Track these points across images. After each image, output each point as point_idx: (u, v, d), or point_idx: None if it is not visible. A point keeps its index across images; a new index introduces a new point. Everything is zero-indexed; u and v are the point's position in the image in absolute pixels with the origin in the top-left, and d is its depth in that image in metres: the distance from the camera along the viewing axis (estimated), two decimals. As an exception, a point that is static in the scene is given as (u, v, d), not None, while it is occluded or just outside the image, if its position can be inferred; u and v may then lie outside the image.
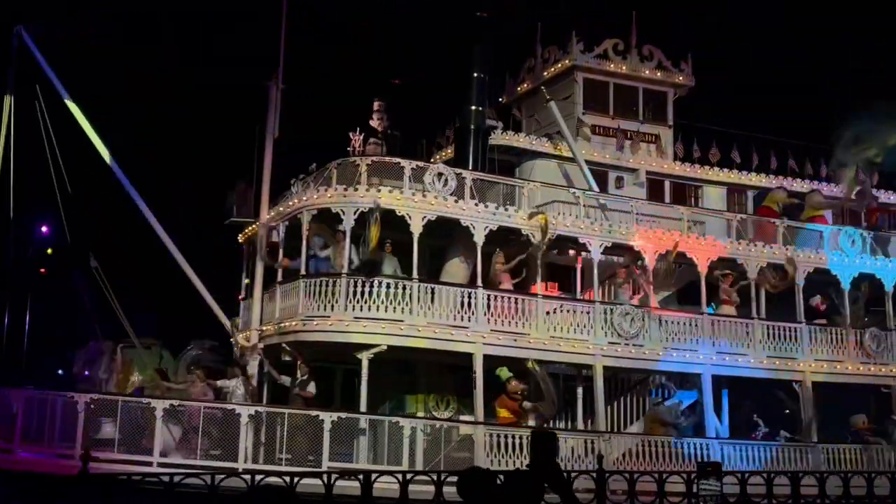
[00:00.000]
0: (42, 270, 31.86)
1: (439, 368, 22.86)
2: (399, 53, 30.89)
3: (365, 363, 20.06)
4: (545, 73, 27.45)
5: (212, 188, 24.76)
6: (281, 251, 21.94)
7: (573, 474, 15.57)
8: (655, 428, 22.40)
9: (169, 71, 21.91)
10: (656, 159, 26.93)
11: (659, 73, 27.36)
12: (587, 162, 25.99)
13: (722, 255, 23.86)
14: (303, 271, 21.02)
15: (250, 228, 24.12)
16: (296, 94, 24.06)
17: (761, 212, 25.99)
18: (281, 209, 22.42)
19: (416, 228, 20.66)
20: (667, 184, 27.26)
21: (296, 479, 15.84)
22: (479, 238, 21.24)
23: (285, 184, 23.40)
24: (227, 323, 23.39)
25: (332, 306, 20.25)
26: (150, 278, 28.56)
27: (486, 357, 20.76)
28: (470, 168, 23.12)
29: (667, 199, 26.92)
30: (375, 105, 24.51)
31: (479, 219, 21.32)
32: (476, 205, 21.30)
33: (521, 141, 25.33)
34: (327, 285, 20.38)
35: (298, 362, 21.01)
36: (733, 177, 27.77)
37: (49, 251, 30.70)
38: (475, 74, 23.73)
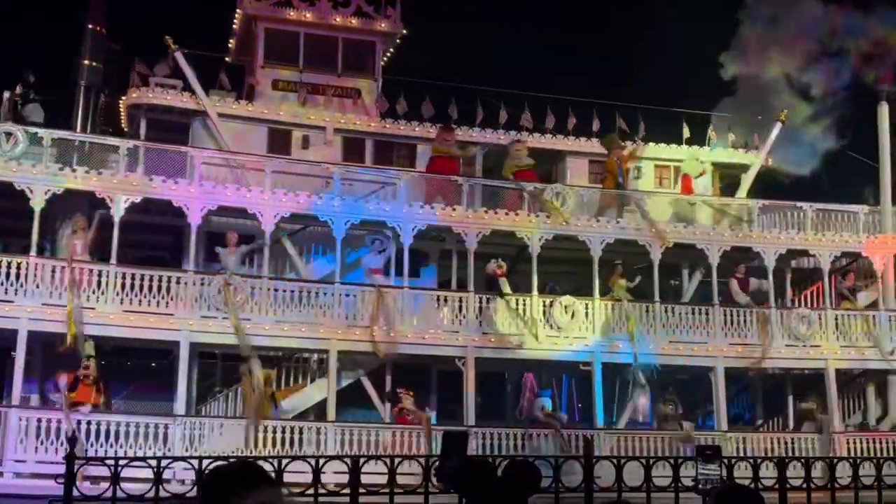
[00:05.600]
0: None
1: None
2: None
3: None
4: (234, 27, 25.13)
5: None
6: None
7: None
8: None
9: None
10: (350, 116, 24.29)
11: (355, 21, 24.68)
12: (268, 121, 23.75)
13: (367, 219, 21.21)
14: None
15: None
16: None
17: (436, 165, 22.99)
18: None
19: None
20: (368, 143, 24.58)
21: None
22: (38, 203, 19.18)
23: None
24: None
25: None
26: None
27: (36, 333, 18.76)
28: (79, 128, 21.11)
29: (368, 160, 24.33)
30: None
31: (38, 182, 19.25)
32: (34, 166, 19.24)
33: (168, 99, 23.03)
34: None
35: None
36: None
37: None
38: (89, 26, 21.65)
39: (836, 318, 23.77)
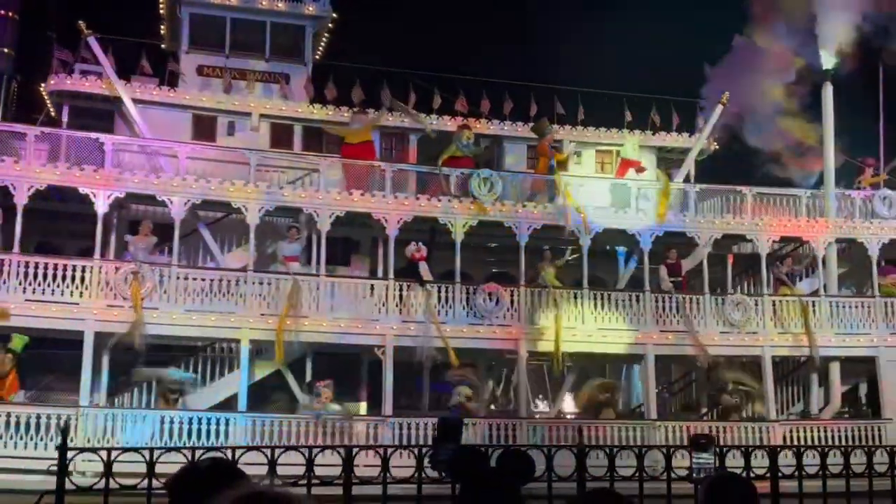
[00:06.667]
0: None
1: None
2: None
3: None
4: (161, 13, 24.68)
5: None
6: None
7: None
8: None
9: None
10: (276, 102, 23.83)
11: (282, 4, 24.19)
12: (191, 107, 23.32)
13: (281, 205, 20.79)
14: None
15: None
16: None
17: (350, 151, 22.45)
18: None
19: None
20: (297, 128, 24.11)
21: None
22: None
23: None
24: None
25: None
26: None
27: None
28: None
29: (297, 147, 23.88)
30: None
31: (-65, 169, 18.91)
32: None
33: (86, 86, 22.61)
34: None
35: None
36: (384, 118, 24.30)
37: None
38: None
39: (774, 305, 23.22)
